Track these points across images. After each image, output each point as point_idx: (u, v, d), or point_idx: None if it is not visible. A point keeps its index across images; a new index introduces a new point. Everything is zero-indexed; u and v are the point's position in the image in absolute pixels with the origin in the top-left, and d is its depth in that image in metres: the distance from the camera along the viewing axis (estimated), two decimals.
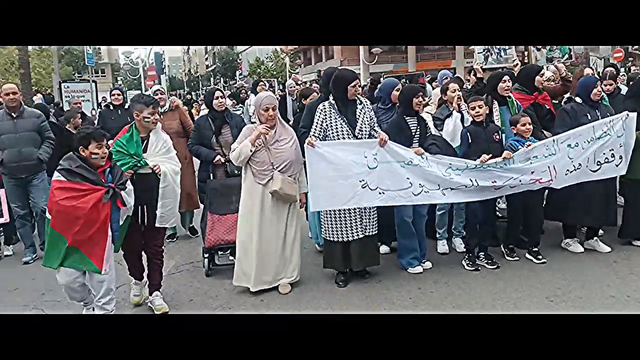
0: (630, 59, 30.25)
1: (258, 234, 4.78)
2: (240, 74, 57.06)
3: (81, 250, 3.91)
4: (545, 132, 5.55)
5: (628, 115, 5.30)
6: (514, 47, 7.53)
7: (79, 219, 3.81)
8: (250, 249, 4.81)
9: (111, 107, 7.73)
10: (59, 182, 3.88)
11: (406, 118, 5.16)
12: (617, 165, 5.33)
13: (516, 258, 5.32)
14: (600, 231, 5.64)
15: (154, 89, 6.86)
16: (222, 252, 5.58)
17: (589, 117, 5.34)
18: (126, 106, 7.46)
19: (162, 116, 5.37)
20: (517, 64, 6.88)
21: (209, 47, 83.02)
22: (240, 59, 62.03)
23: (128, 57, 31.56)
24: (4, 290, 5.33)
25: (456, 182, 4.94)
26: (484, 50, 7.23)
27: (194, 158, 6.05)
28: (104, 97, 19.11)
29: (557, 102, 6.14)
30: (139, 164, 4.30)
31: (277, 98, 10.29)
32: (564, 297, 4.40)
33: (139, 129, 4.42)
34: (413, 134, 5.12)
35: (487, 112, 5.20)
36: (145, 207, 4.37)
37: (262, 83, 7.11)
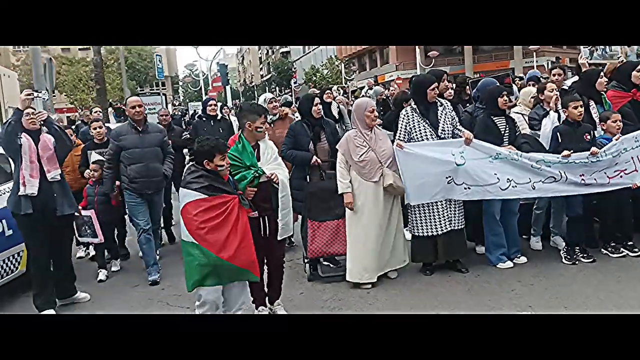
0: None
1: (377, 227, 5.11)
2: (295, 82, 57.84)
3: (235, 263, 3.87)
4: None
5: None
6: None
7: (229, 232, 3.82)
8: (368, 243, 5.13)
9: (204, 118, 7.87)
10: (196, 203, 3.83)
11: (493, 118, 5.37)
12: None
13: (621, 254, 5.35)
14: None
15: (266, 97, 6.96)
16: (326, 262, 5.73)
17: None
18: (219, 117, 7.85)
19: (272, 125, 5.60)
20: (623, 61, 6.88)
21: (264, 57, 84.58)
22: (294, 68, 62.86)
23: (192, 70, 32.58)
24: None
25: (545, 172, 5.12)
26: (589, 45, 7.22)
27: None
28: (195, 109, 19.65)
29: None
30: (257, 174, 4.32)
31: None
32: None
33: (248, 139, 4.41)
34: (502, 133, 5.33)
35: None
36: (266, 217, 4.38)
37: (328, 91, 7.32)
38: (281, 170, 4.54)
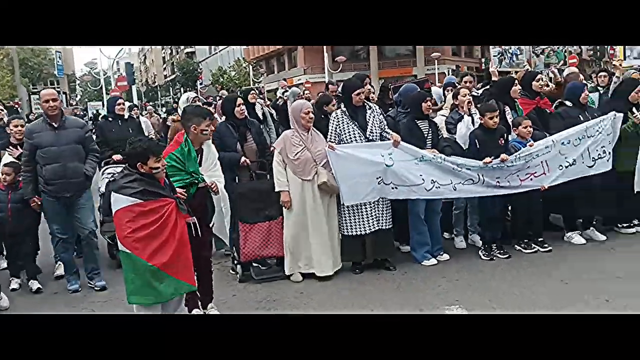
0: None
1: (312, 224, 5.27)
2: (201, 84, 56.86)
3: (171, 274, 3.72)
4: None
5: (615, 115, 5.87)
6: (524, 52, 8.04)
7: (165, 239, 3.68)
8: (304, 240, 5.30)
9: (110, 119, 7.17)
10: (129, 208, 3.65)
11: (417, 122, 5.62)
12: (607, 161, 5.88)
13: (533, 250, 5.74)
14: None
15: (189, 96, 6.75)
16: (257, 265, 5.65)
17: (581, 119, 5.89)
18: (126, 117, 7.38)
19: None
20: (528, 69, 7.39)
21: (167, 57, 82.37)
22: (200, 69, 61.77)
23: (92, 68, 31.13)
24: None
25: (465, 175, 5.44)
26: (498, 54, 7.70)
27: None
28: (97, 110, 18.53)
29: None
30: (196, 182, 4.28)
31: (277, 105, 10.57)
32: (576, 280, 4.88)
33: (193, 143, 4.33)
34: (425, 136, 5.59)
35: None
36: (198, 220, 4.20)
37: (253, 92, 7.31)
38: (221, 179, 4.59)
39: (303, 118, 5.27)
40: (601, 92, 7.43)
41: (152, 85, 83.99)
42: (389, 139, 5.39)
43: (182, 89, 62.40)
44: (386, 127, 5.56)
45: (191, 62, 64.94)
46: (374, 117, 5.49)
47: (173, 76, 72.54)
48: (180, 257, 3.79)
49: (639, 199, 6.02)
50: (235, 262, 5.62)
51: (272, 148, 5.82)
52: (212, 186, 4.43)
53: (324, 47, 33.61)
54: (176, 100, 48.28)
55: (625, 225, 6.17)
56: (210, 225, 4.58)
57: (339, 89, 7.32)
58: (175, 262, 3.74)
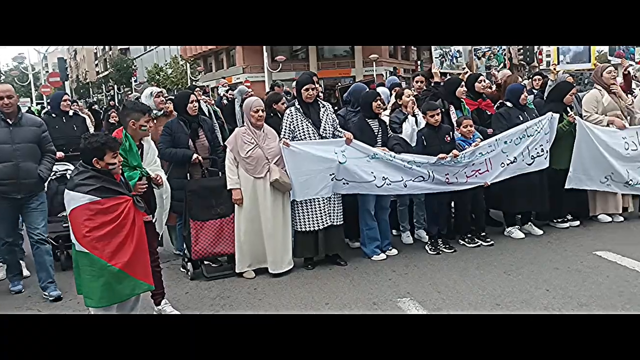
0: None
1: (264, 222, 5.30)
2: (136, 81, 55.45)
3: (130, 273, 3.63)
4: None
5: (552, 115, 6.21)
6: (464, 55, 8.33)
7: (124, 238, 3.59)
8: (256, 237, 5.32)
9: (54, 115, 6.89)
10: (86, 206, 3.53)
11: (368, 121, 5.76)
12: (545, 159, 6.21)
13: (476, 244, 5.99)
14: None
15: (153, 90, 6.50)
16: (208, 262, 5.65)
17: (521, 119, 6.19)
18: (70, 113, 7.13)
19: (155, 121, 5.45)
20: (467, 72, 7.68)
21: (100, 52, 79.81)
22: (135, 65, 60.20)
23: (20, 63, 29.71)
24: None
25: (415, 172, 5.62)
26: (440, 56, 7.95)
27: None
28: (29, 107, 17.55)
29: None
30: (143, 175, 4.28)
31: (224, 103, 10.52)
32: (518, 272, 5.14)
33: (133, 138, 4.35)
34: (376, 135, 5.73)
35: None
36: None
37: (198, 89, 7.28)
38: (162, 173, 4.66)
39: (252, 116, 5.30)
40: (535, 94, 7.83)
41: (83, 82, 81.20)
42: (341, 137, 5.49)
43: (115, 86, 60.69)
44: (338, 126, 5.66)
45: (125, 59, 63.20)
46: (327, 115, 5.58)
47: (106, 73, 70.37)
48: (139, 256, 3.72)
49: (572, 196, 6.42)
50: (186, 259, 5.57)
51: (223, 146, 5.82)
52: (157, 179, 4.43)
53: (263, 46, 33.43)
54: (110, 97, 46.93)
55: (559, 220, 6.53)
56: (154, 220, 4.54)
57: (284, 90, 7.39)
58: (135, 261, 3.67)
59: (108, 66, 69.31)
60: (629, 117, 6.59)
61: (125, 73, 59.03)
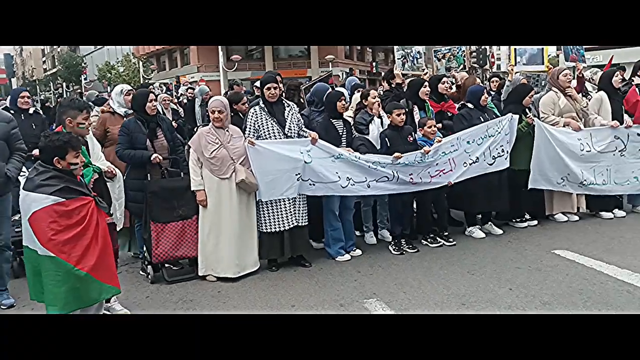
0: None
1: (230, 223, 5.17)
2: (85, 78, 53.93)
3: (97, 277, 3.51)
4: None
5: (512, 116, 6.31)
6: (423, 56, 8.37)
7: (90, 240, 3.47)
8: (221, 240, 5.18)
9: (12, 111, 6.55)
10: (50, 208, 3.38)
11: (332, 120, 5.72)
12: (505, 159, 6.31)
13: (439, 244, 6.03)
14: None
15: (123, 88, 6.23)
16: (169, 266, 5.49)
17: (482, 120, 6.27)
18: (31, 111, 6.98)
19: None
20: (427, 73, 7.73)
21: (47, 49, 77.32)
22: (85, 63, 58.55)
23: None
24: None
25: (380, 173, 5.61)
26: (401, 57, 7.97)
27: None
28: None
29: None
30: (96, 172, 4.20)
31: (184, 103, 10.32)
32: (481, 271, 5.19)
33: None
34: (340, 135, 5.70)
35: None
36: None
37: (161, 86, 7.16)
38: (108, 163, 4.64)
39: (210, 117, 5.24)
40: (492, 95, 7.96)
41: (30, 79, 78.48)
42: (307, 137, 5.44)
43: (64, 84, 58.89)
44: (303, 125, 5.60)
45: (74, 56, 61.37)
46: (292, 114, 5.51)
47: (54, 70, 68.19)
48: (104, 259, 3.59)
49: (529, 195, 6.55)
50: (146, 263, 5.41)
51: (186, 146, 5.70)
52: (110, 171, 4.38)
53: (219, 45, 33.05)
54: (58, 95, 45.49)
55: (517, 220, 6.65)
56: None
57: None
58: (100, 264, 3.54)
59: (56, 63, 67.13)
60: (583, 119, 6.77)
61: (75, 70, 57.28)
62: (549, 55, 9.25)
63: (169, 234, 5.26)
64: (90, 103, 6.91)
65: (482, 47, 12.19)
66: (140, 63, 44.23)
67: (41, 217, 3.40)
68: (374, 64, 46.40)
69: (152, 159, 5.36)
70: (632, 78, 7.48)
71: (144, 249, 5.44)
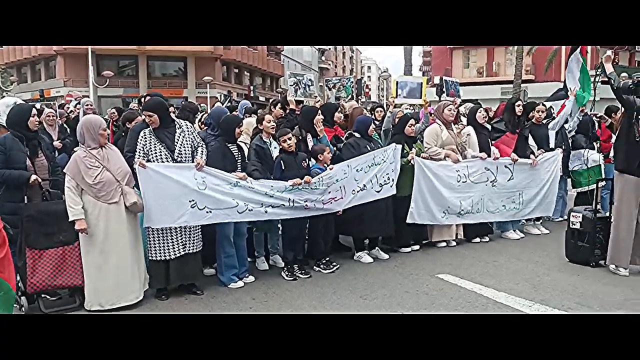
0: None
1: (119, 251, 4.91)
2: None
3: (13, 287, 3.20)
4: None
5: (395, 147, 6.64)
6: (315, 84, 8.52)
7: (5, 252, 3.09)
8: (109, 269, 4.87)
9: None
10: None
11: (228, 145, 5.65)
12: (391, 187, 6.61)
13: (331, 270, 6.12)
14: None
15: (17, 101, 5.67)
16: (45, 296, 5.06)
17: (369, 148, 6.53)
18: None
19: None
20: (319, 100, 7.87)
21: None
22: None
23: None
24: None
25: (276, 199, 5.61)
26: (294, 84, 8.03)
27: None
28: None
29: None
30: None
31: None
32: (373, 295, 5.35)
33: None
34: (236, 160, 5.65)
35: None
36: None
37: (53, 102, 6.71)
38: None
39: (102, 135, 4.94)
40: (376, 125, 8.32)
41: None
42: (203, 157, 5.32)
43: None
44: (201, 143, 5.44)
45: None
46: (184, 137, 5.32)
47: None
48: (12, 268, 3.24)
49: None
50: (20, 293, 4.93)
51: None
52: None
53: (89, 59, 31.39)
54: None
55: (402, 245, 6.96)
56: None
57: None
58: (13, 275, 3.22)
59: None
60: (462, 152, 7.28)
61: None
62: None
63: (47, 261, 4.86)
64: None
65: (361, 79, 12.75)
66: None
67: None
68: (251, 87, 46.62)
69: (31, 181, 4.96)
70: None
71: (18, 277, 4.96)
